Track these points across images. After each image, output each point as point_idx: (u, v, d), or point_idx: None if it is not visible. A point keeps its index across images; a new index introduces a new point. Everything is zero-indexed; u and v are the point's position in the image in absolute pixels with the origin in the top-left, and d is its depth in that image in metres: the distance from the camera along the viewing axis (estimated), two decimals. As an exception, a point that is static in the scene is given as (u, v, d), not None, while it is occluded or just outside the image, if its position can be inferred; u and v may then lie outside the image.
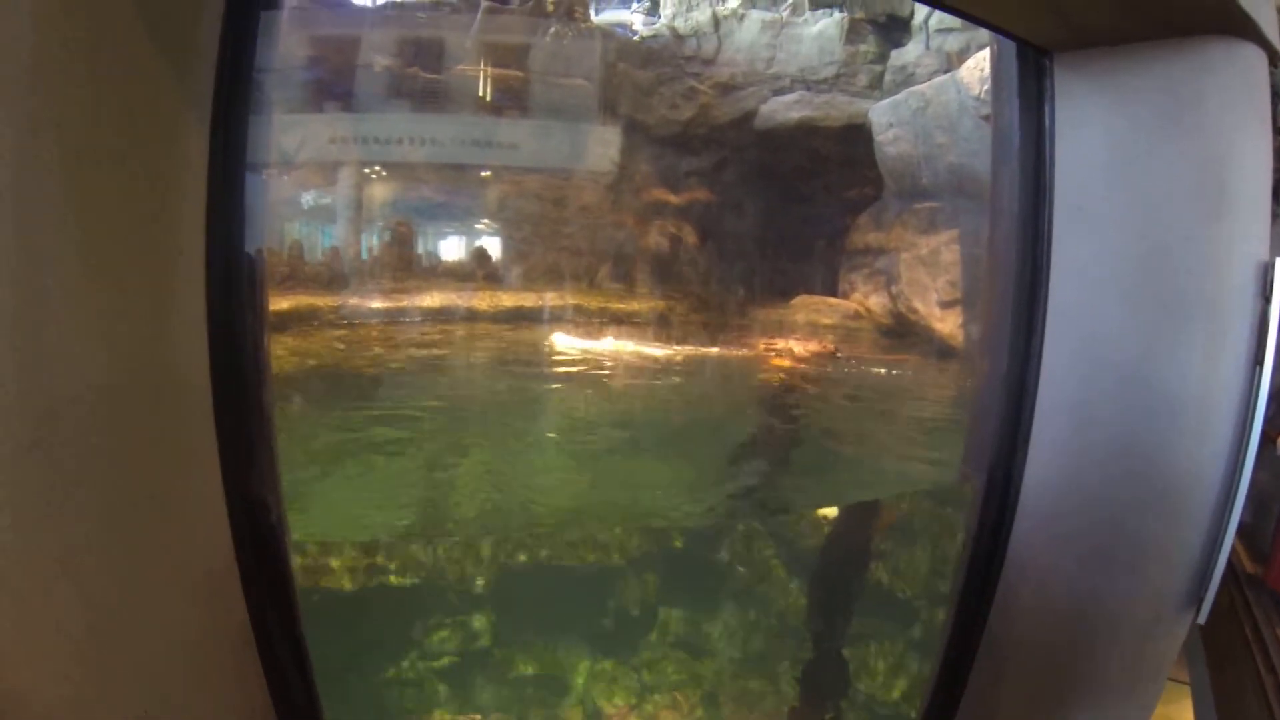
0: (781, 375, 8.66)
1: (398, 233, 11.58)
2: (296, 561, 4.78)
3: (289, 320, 9.52)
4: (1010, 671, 2.55)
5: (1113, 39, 2.21)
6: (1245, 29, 2.10)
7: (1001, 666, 2.55)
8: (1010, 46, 2.42)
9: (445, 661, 5.35)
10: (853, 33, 12.19)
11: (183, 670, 1.44)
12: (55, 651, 1.24)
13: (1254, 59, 2.21)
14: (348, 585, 5.25)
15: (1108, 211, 2.31)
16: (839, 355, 9.56)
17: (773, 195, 12.43)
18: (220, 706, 1.54)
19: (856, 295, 11.12)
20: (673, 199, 12.54)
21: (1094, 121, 2.32)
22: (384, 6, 10.87)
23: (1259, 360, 2.26)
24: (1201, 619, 2.40)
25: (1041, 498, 2.44)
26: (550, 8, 11.26)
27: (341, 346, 9.39)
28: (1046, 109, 2.41)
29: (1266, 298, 2.25)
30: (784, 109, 11.98)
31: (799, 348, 9.34)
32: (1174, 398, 2.21)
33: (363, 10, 10.78)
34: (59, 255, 1.15)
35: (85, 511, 1.22)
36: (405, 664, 5.27)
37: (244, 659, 1.58)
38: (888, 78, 11.57)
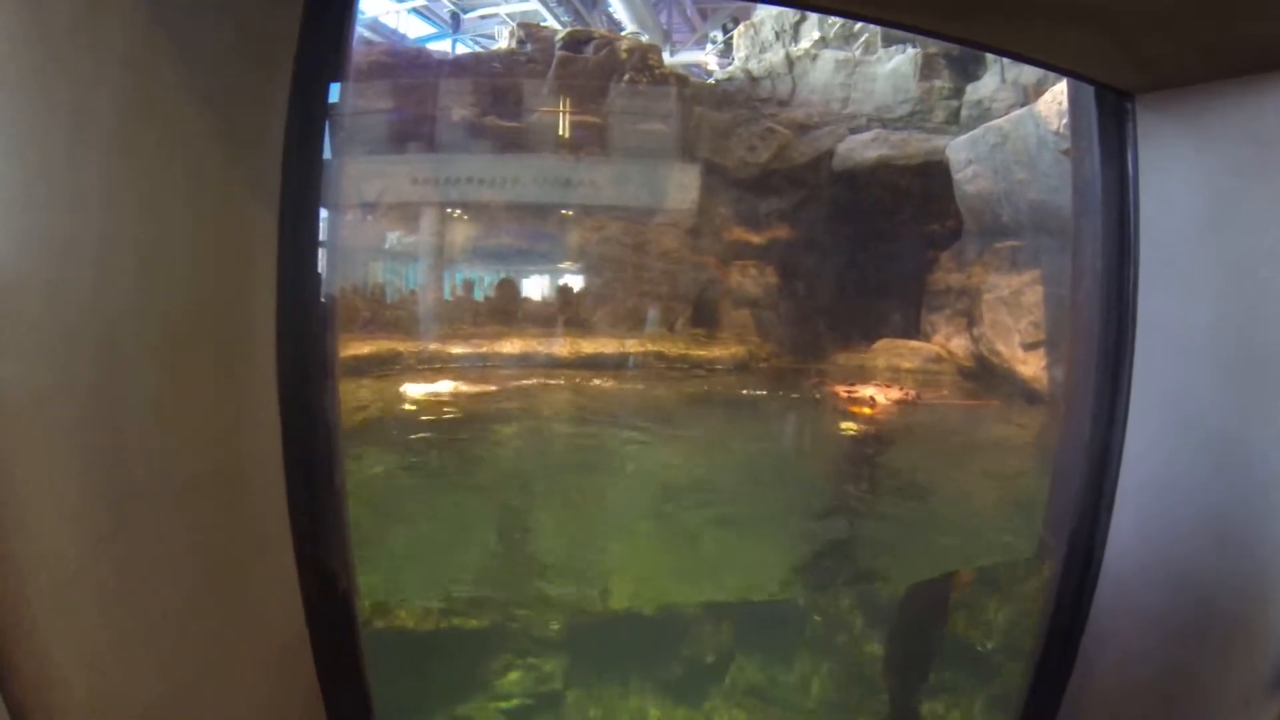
0: (861, 426, 8.45)
1: (479, 284, 11.99)
2: (368, 603, 4.89)
3: (368, 364, 9.87)
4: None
5: (1197, 78, 2.08)
6: (1339, 61, 1.91)
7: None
8: (1088, 90, 2.30)
9: (515, 703, 5.37)
10: (926, 68, 12.10)
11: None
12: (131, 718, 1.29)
13: (1351, 93, 2.04)
14: (419, 626, 5.35)
15: (1197, 267, 2.17)
16: (920, 401, 9.27)
17: (853, 235, 12.33)
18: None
19: (938, 337, 10.94)
20: (753, 241, 12.55)
21: (1180, 168, 2.19)
22: (462, 57, 11.34)
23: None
24: None
25: (1124, 569, 2.31)
26: (624, 55, 11.48)
27: (418, 393, 9.66)
28: (1129, 156, 2.27)
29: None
30: (861, 147, 11.92)
31: (880, 396, 9.08)
32: (1268, 468, 2.04)
33: (441, 61, 11.27)
34: (140, 359, 1.23)
35: (163, 591, 1.29)
36: (474, 704, 5.32)
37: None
38: (964, 113, 11.39)
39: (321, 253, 1.54)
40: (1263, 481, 2.04)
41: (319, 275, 1.52)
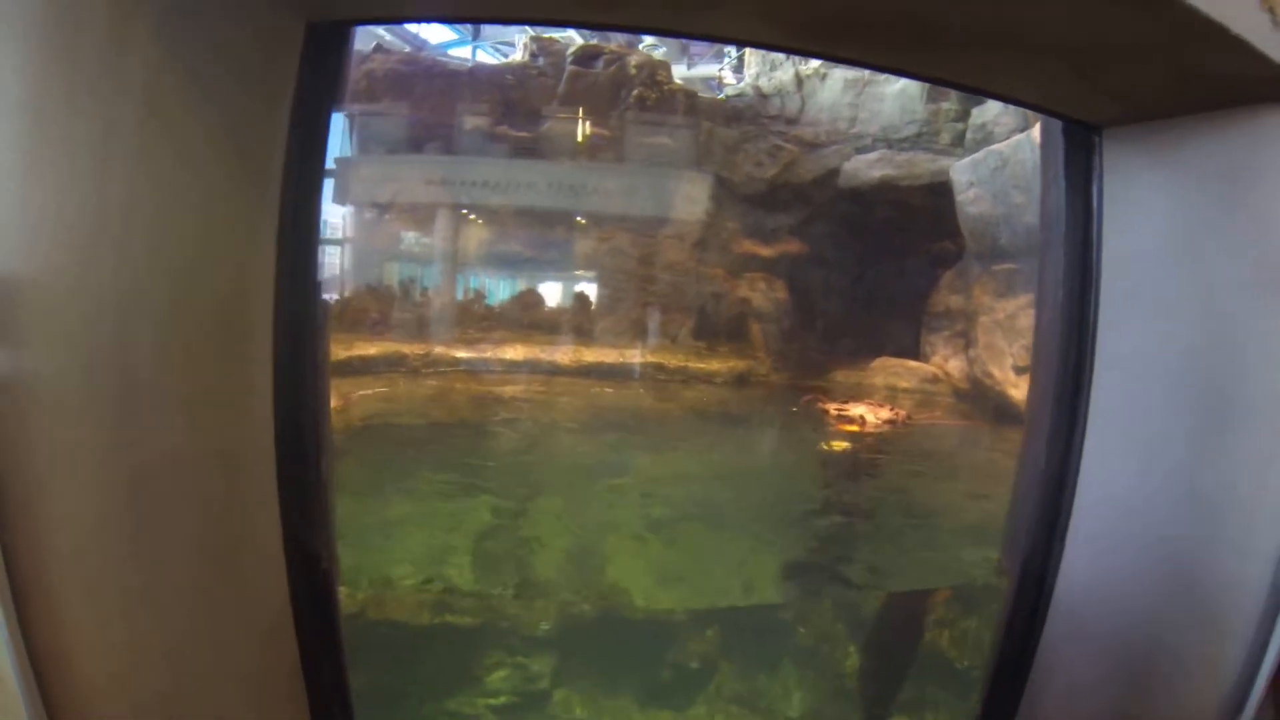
0: (849, 445, 8.50)
1: (484, 290, 12.22)
2: (362, 596, 5.03)
3: (375, 365, 10.04)
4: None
5: (1162, 113, 2.10)
6: (1307, 97, 1.92)
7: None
8: (1056, 122, 2.32)
9: (503, 700, 5.45)
10: (934, 91, 12.02)
11: (239, 700, 1.62)
12: (133, 678, 1.44)
13: (1321, 128, 2.04)
14: (412, 620, 5.46)
15: (1158, 298, 2.19)
16: (911, 422, 9.29)
17: (857, 253, 12.42)
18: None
19: (936, 358, 10.97)
20: (758, 255, 12.63)
21: (1145, 201, 2.21)
22: (476, 68, 11.53)
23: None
24: None
25: (1075, 598, 2.32)
26: (633, 71, 11.63)
27: (420, 395, 9.80)
28: (1095, 187, 2.30)
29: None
30: (866, 167, 11.98)
31: (870, 415, 9.11)
32: (1220, 503, 2.07)
33: (456, 72, 11.46)
34: (151, 347, 1.39)
35: (166, 559, 1.44)
36: (463, 699, 5.41)
37: (293, 692, 1.76)
38: (969, 135, 11.35)
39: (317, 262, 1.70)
40: (1215, 515, 2.07)
41: (314, 283, 1.67)
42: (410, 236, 11.94)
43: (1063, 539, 2.33)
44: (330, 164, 1.76)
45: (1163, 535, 2.13)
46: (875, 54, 1.96)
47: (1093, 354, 2.33)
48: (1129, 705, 2.19)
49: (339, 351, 9.92)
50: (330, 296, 11.05)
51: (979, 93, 2.27)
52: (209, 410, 1.49)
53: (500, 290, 12.52)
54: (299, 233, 1.61)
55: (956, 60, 1.94)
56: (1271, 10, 1.76)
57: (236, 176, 1.48)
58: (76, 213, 1.30)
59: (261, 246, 1.55)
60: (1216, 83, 1.87)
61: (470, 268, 12.30)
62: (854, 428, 8.89)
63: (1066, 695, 2.32)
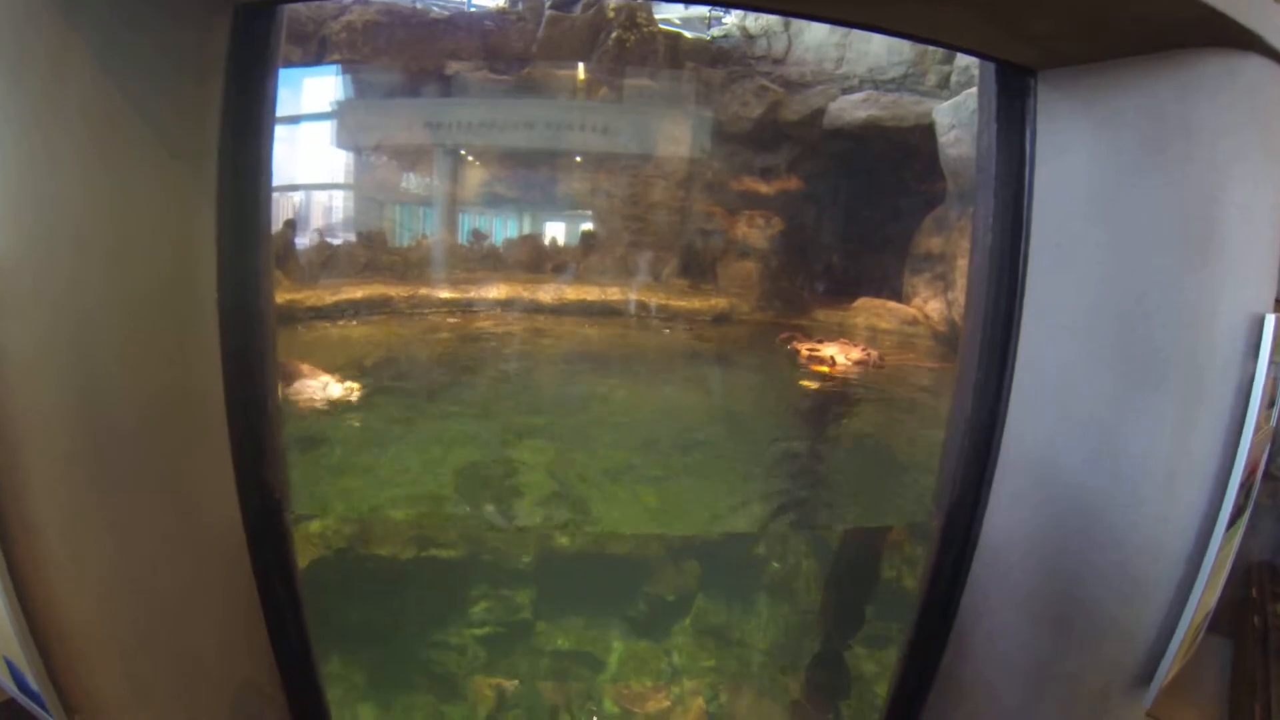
0: (818, 384, 8.49)
1: (468, 231, 12.24)
2: (350, 531, 5.19)
3: (361, 308, 10.15)
4: (962, 715, 2.44)
5: (1093, 56, 1.98)
6: (1245, 40, 1.80)
7: (954, 708, 2.46)
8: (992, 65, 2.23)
9: (487, 630, 5.69)
10: (919, 32, 11.61)
11: (201, 616, 1.82)
12: (102, 597, 1.62)
13: (1261, 73, 1.90)
14: (399, 554, 5.64)
15: (1086, 249, 2.10)
16: (882, 363, 9.22)
17: (842, 194, 12.32)
18: (229, 646, 1.92)
19: (917, 300, 10.90)
20: (743, 195, 12.54)
21: (1077, 147, 2.09)
22: (455, 16, 11.30)
23: (1240, 428, 1.98)
24: (1147, 702, 2.21)
25: (999, 546, 2.30)
26: (611, 14, 11.40)
27: (407, 334, 9.89)
28: (1028, 131, 2.19)
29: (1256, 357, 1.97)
30: (851, 108, 11.73)
31: (841, 356, 9.07)
32: (1142, 463, 1.98)
33: (435, 20, 11.26)
34: (107, 321, 1.54)
35: (128, 494, 1.61)
36: (451, 631, 5.64)
37: (249, 609, 1.95)
38: (954, 78, 11.06)
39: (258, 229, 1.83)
40: (1135, 477, 2.01)
41: (258, 241, 1.80)
42: (393, 182, 11.92)
43: (988, 487, 2.31)
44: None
45: (1082, 492, 2.09)
46: (792, 4, 1.92)
47: (1020, 302, 2.27)
48: (1048, 654, 2.21)
49: (325, 297, 10.00)
50: (333, 240, 11.22)
51: (907, 37, 2.15)
52: (162, 367, 1.65)
53: (489, 230, 12.53)
54: (239, 197, 1.76)
55: (874, 9, 1.90)
56: (1191, -57, 1.64)
57: (178, 155, 1.61)
58: (36, 206, 1.45)
59: (203, 214, 1.70)
60: (1142, 26, 1.78)
61: (453, 210, 12.29)
62: (824, 368, 8.83)
63: (990, 638, 2.33)
